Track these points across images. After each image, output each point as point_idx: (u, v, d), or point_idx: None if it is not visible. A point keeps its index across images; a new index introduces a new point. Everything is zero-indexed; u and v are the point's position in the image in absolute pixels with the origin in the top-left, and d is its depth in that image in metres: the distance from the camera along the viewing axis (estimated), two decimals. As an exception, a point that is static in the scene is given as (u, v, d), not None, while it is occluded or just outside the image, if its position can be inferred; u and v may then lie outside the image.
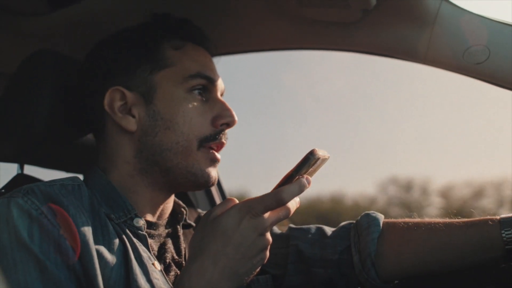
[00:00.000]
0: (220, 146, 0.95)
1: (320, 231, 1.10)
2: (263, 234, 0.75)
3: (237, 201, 0.78)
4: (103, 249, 0.77)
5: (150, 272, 0.82)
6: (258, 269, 0.78)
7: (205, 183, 0.94)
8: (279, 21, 1.23)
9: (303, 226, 1.12)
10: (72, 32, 1.24)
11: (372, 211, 1.07)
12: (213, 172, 0.94)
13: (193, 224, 1.08)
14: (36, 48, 1.02)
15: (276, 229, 1.15)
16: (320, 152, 0.75)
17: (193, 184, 0.94)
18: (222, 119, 0.94)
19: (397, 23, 1.14)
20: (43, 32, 1.24)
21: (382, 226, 1.02)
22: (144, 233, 0.87)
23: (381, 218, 1.05)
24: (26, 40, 1.26)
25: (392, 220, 1.04)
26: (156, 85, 0.92)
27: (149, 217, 0.94)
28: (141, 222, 0.88)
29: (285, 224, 1.13)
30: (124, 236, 0.83)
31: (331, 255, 1.04)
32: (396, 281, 1.00)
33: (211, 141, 0.92)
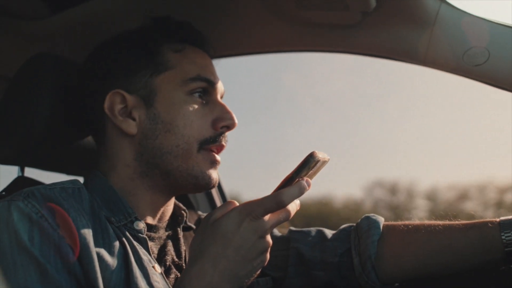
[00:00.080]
0: (220, 148, 0.95)
1: (321, 234, 1.10)
2: (263, 237, 0.75)
3: (237, 204, 0.78)
4: (103, 252, 0.77)
5: (151, 275, 0.82)
6: (258, 272, 0.78)
7: (206, 185, 0.94)
8: (279, 23, 1.23)
9: (304, 229, 1.12)
10: (72, 35, 1.25)
11: (372, 214, 1.07)
12: (214, 174, 0.94)
13: (193, 226, 1.08)
14: (36, 51, 1.03)
15: (276, 231, 1.16)
16: (320, 155, 0.75)
17: (194, 187, 0.94)
18: (222, 122, 0.94)
19: (397, 25, 1.14)
20: (43, 35, 1.24)
21: (382, 229, 1.03)
22: (144, 236, 0.87)
23: (381, 221, 1.05)
24: (27, 43, 1.27)
25: (392, 223, 1.04)
26: (157, 88, 0.92)
27: (149, 220, 0.94)
28: (141, 225, 0.88)
29: (285, 226, 1.13)
30: (124, 239, 0.83)
31: (332, 257, 1.04)
32: (396, 284, 1.00)
33: (211, 144, 0.92)
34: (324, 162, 0.80)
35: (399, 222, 1.03)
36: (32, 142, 0.96)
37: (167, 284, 0.85)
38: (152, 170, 0.92)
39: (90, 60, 0.99)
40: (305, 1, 1.09)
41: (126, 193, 0.91)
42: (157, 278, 0.83)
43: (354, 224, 1.09)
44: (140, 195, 0.92)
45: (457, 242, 0.91)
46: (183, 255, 0.97)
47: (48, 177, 1.12)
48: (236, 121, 0.96)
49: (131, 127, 0.91)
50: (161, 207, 0.96)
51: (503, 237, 0.85)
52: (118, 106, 0.92)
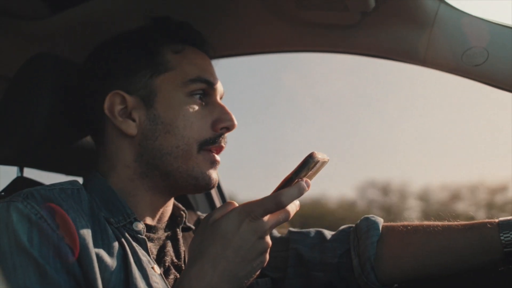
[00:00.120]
0: (219, 149, 0.95)
1: (320, 235, 1.10)
2: (262, 237, 0.75)
3: (236, 205, 0.78)
4: (102, 253, 0.77)
5: (150, 276, 0.82)
6: (258, 272, 0.78)
7: (206, 186, 0.94)
8: (279, 24, 1.23)
9: (303, 230, 1.12)
10: (72, 35, 1.25)
11: (371, 215, 1.07)
12: (214, 174, 0.95)
13: (193, 227, 1.08)
14: (36, 51, 1.03)
15: (275, 232, 1.16)
16: (320, 155, 0.75)
17: (194, 187, 0.94)
18: (222, 123, 0.94)
19: (396, 25, 1.14)
20: (43, 35, 1.24)
21: (382, 230, 1.03)
22: (143, 237, 0.87)
23: (381, 222, 1.05)
24: (26, 43, 1.27)
25: (391, 223, 1.04)
26: (157, 89, 0.92)
27: (149, 221, 0.94)
28: (141, 226, 0.88)
29: (284, 227, 1.13)
30: (123, 240, 0.83)
31: (331, 258, 1.05)
32: (395, 285, 1.00)
33: (211, 145, 0.93)
34: (324, 163, 0.80)
35: (398, 223, 1.03)
36: (32, 142, 0.96)
37: (166, 285, 0.85)
38: (152, 171, 0.92)
39: (90, 60, 0.99)
40: (305, 1, 1.09)
41: (125, 194, 0.91)
42: (156, 279, 0.83)
43: (353, 225, 1.09)
44: (139, 196, 0.92)
45: (456, 242, 0.91)
46: (182, 255, 0.97)
47: (47, 178, 1.13)
48: (236, 122, 0.96)
49: (131, 128, 0.91)
50: (161, 207, 0.96)
51: (502, 238, 0.85)
52: (118, 107, 0.92)
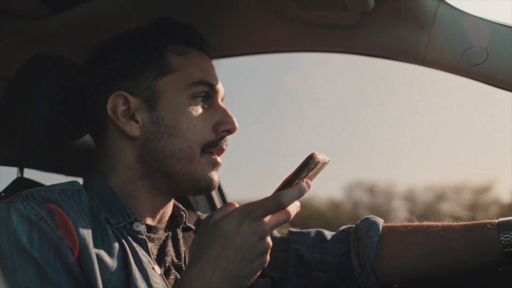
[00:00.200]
0: (220, 152, 0.95)
1: (320, 235, 1.10)
2: (263, 238, 0.75)
3: (237, 205, 0.78)
4: (103, 254, 0.78)
5: (150, 276, 0.82)
6: (258, 273, 0.78)
7: (207, 188, 0.94)
8: (279, 24, 1.23)
9: (303, 230, 1.12)
10: (72, 35, 1.24)
11: (371, 216, 1.07)
12: (215, 176, 0.95)
13: (193, 227, 1.08)
14: (36, 51, 1.03)
15: (276, 232, 1.16)
16: (320, 156, 0.75)
17: (195, 189, 0.94)
18: (224, 126, 0.94)
19: (396, 25, 1.14)
20: (43, 35, 1.24)
21: (382, 230, 1.03)
22: (144, 237, 0.87)
23: (381, 222, 1.05)
24: (26, 43, 1.27)
25: (391, 224, 1.05)
26: (160, 91, 0.92)
27: (149, 221, 0.94)
28: (141, 226, 0.88)
29: (284, 227, 1.13)
30: (123, 241, 0.83)
31: (331, 259, 1.05)
32: (395, 285, 1.00)
33: (213, 147, 0.93)
34: (324, 164, 0.80)
35: (398, 224, 1.03)
36: (32, 142, 0.96)
37: (167, 285, 0.85)
38: (154, 172, 0.92)
39: (92, 60, 0.99)
40: (305, 1, 1.09)
41: (125, 195, 0.91)
42: (156, 279, 0.83)
43: (353, 226, 1.09)
44: (140, 197, 0.92)
45: (456, 243, 0.92)
46: (183, 256, 0.97)
47: (47, 178, 1.13)
48: (237, 125, 0.96)
49: (134, 129, 0.91)
50: (161, 208, 0.96)
51: (502, 238, 0.86)
52: (121, 108, 0.92)
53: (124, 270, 0.79)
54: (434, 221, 0.99)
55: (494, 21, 1.06)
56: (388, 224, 1.05)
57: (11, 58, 1.30)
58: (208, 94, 0.96)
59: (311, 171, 0.77)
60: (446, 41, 1.10)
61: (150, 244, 0.89)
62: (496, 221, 0.88)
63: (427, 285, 0.98)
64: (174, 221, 1.02)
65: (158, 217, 0.96)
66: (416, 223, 1.01)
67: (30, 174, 1.08)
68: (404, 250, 0.98)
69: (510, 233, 0.85)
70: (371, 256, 0.99)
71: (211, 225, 0.77)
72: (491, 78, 1.07)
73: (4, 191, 0.99)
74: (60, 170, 1.16)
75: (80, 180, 0.93)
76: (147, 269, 0.83)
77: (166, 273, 0.90)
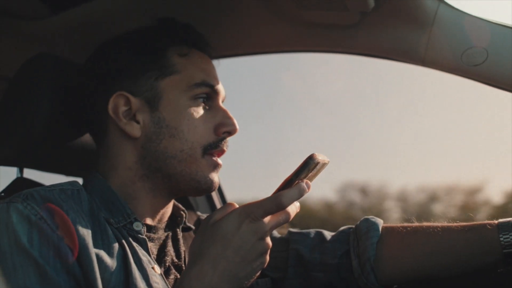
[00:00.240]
0: (221, 153, 0.96)
1: (320, 236, 1.10)
2: (263, 238, 0.75)
3: (237, 206, 0.78)
4: (102, 254, 0.78)
5: (150, 276, 0.82)
6: (258, 273, 0.78)
7: (207, 189, 0.94)
8: (279, 24, 1.23)
9: (303, 230, 1.12)
10: (73, 35, 1.24)
11: (371, 216, 1.07)
12: (216, 177, 0.95)
13: (193, 227, 1.08)
14: (36, 51, 1.02)
15: (275, 233, 1.16)
16: (320, 157, 0.75)
17: (195, 190, 0.94)
18: (224, 127, 0.94)
19: (396, 25, 1.14)
20: (44, 35, 1.24)
21: (381, 231, 1.03)
22: (144, 237, 0.88)
23: (380, 223, 1.05)
24: (27, 43, 1.27)
25: (391, 224, 1.05)
26: (162, 92, 0.92)
27: (149, 221, 0.94)
28: (141, 226, 0.88)
29: (284, 227, 1.13)
30: (123, 240, 0.83)
31: (331, 259, 1.05)
32: (395, 286, 1.00)
33: (214, 149, 0.93)
34: (324, 164, 0.80)
35: (398, 224, 1.03)
36: (32, 142, 0.96)
37: (167, 285, 0.85)
38: (154, 173, 0.92)
39: (93, 60, 0.99)
40: (305, 1, 1.09)
41: (126, 195, 0.91)
42: (156, 279, 0.83)
43: (353, 226, 1.09)
44: (140, 197, 0.92)
45: (455, 243, 0.92)
46: (183, 255, 0.97)
47: (47, 179, 1.13)
48: (237, 127, 0.96)
49: (135, 130, 0.91)
50: (161, 209, 0.96)
51: (502, 239, 0.86)
52: (122, 108, 0.92)
53: (123, 270, 0.79)
54: (433, 221, 0.99)
55: (494, 21, 1.06)
56: (388, 224, 1.05)
57: (11, 58, 1.30)
58: (209, 95, 0.96)
59: (310, 172, 0.77)
60: (446, 41, 1.10)
61: (150, 244, 0.89)
62: (496, 222, 0.89)
63: (427, 286, 0.97)
64: (174, 221, 1.02)
65: (158, 217, 0.96)
66: (416, 223, 1.01)
67: (30, 174, 1.08)
68: (403, 250, 0.98)
69: (509, 234, 0.85)
70: (371, 257, 0.99)
71: (211, 226, 0.77)
72: (491, 78, 1.07)
73: (3, 191, 1.00)
74: (60, 170, 1.16)
75: (80, 180, 0.93)
76: (147, 268, 0.83)
77: (166, 273, 0.90)
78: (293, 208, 0.78)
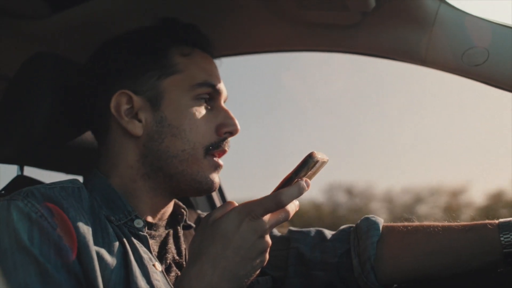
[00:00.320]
0: (222, 154, 0.96)
1: (320, 234, 1.10)
2: (262, 237, 0.75)
3: (236, 204, 0.78)
4: (103, 251, 0.77)
5: (151, 273, 0.82)
6: (258, 272, 0.78)
7: (208, 190, 0.94)
8: (279, 23, 1.23)
9: (303, 229, 1.12)
10: (73, 34, 1.24)
11: (371, 215, 1.07)
12: (216, 178, 0.95)
13: (193, 225, 1.08)
14: (36, 50, 1.02)
15: (276, 231, 1.16)
16: (319, 155, 0.75)
17: (196, 191, 0.94)
18: (226, 128, 0.94)
19: (396, 25, 1.14)
20: (44, 35, 1.24)
21: (382, 230, 1.03)
22: (145, 234, 0.87)
23: (381, 222, 1.05)
24: (27, 42, 1.27)
25: (392, 224, 1.05)
26: (164, 91, 0.92)
27: (149, 219, 0.94)
28: (142, 223, 0.88)
29: (284, 226, 1.13)
30: (124, 238, 0.83)
31: (331, 258, 1.05)
32: (395, 285, 1.00)
33: (215, 149, 0.93)
34: (323, 163, 0.80)
35: (399, 224, 1.03)
36: (32, 141, 0.96)
37: (168, 282, 0.85)
38: (155, 172, 0.92)
39: (96, 59, 0.99)
40: (305, 1, 1.09)
41: (126, 193, 0.91)
42: (157, 276, 0.83)
43: (354, 225, 1.09)
44: (141, 196, 0.92)
45: (456, 243, 0.92)
46: (184, 253, 0.97)
47: (47, 177, 1.13)
48: (239, 127, 0.96)
49: (137, 128, 0.91)
50: (161, 208, 0.96)
51: (502, 239, 0.86)
52: (124, 107, 0.92)
53: (124, 268, 0.79)
54: (446, 221, 0.98)
55: (495, 21, 1.06)
56: (388, 224, 1.05)
57: (11, 58, 1.30)
58: (211, 95, 0.96)
59: (310, 170, 0.76)
60: (447, 41, 1.10)
61: (151, 241, 0.89)
62: (497, 221, 0.89)
63: (427, 285, 0.98)
64: (175, 218, 1.02)
65: (158, 215, 0.96)
66: (416, 223, 1.01)
67: (30, 172, 1.08)
68: (404, 250, 0.98)
69: (510, 233, 0.85)
70: (371, 256, 0.99)
71: (210, 224, 0.77)
72: (492, 78, 1.07)
73: (4, 189, 1.00)
74: (60, 169, 1.16)
75: (80, 179, 0.93)
76: (148, 266, 0.83)
77: (167, 270, 0.90)
78: (293, 207, 0.77)
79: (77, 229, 0.75)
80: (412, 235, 0.98)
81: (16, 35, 1.24)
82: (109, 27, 1.11)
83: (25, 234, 0.71)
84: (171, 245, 0.96)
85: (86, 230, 0.76)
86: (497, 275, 0.89)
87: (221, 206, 0.79)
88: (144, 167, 0.92)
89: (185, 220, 1.03)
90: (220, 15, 1.23)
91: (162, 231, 0.96)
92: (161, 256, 0.92)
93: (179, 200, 1.07)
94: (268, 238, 0.77)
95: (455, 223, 0.95)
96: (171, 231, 0.99)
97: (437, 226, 0.96)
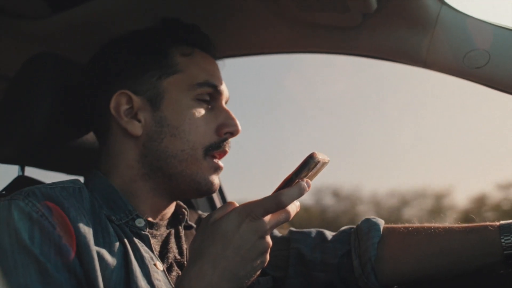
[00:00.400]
0: (223, 154, 0.95)
1: (321, 235, 1.10)
2: (263, 237, 0.75)
3: (237, 205, 0.77)
4: (103, 251, 0.77)
5: (152, 273, 0.82)
6: (258, 272, 0.78)
7: (207, 191, 0.94)
8: (281, 25, 1.23)
9: (304, 230, 1.12)
10: (73, 35, 1.24)
11: (372, 217, 1.07)
12: (216, 179, 0.95)
13: (194, 225, 1.08)
14: (37, 51, 1.03)
15: (276, 232, 1.16)
16: (320, 156, 0.75)
17: (195, 192, 0.94)
18: (226, 128, 0.94)
19: (398, 27, 1.14)
20: (44, 35, 1.24)
21: (383, 231, 1.03)
22: (146, 233, 0.87)
23: (382, 223, 1.05)
24: (27, 42, 1.26)
25: (392, 225, 1.05)
26: (164, 91, 0.92)
27: (151, 219, 0.94)
28: (143, 222, 0.88)
29: (284, 227, 1.13)
30: (125, 238, 0.83)
31: (332, 259, 1.05)
32: (395, 286, 1.00)
33: (215, 150, 0.93)
34: (324, 163, 0.80)
35: (399, 225, 1.03)
36: (32, 141, 0.96)
37: (169, 281, 0.85)
38: (155, 172, 0.92)
39: (96, 59, 0.99)
40: (307, 2, 1.09)
41: (127, 193, 0.91)
42: (158, 276, 0.83)
43: (354, 226, 1.09)
44: (141, 196, 0.92)
45: (457, 244, 0.91)
46: (185, 253, 0.97)
47: (47, 177, 1.13)
48: (240, 128, 0.96)
49: (137, 128, 0.91)
50: (162, 208, 0.96)
51: (503, 241, 0.86)
52: (124, 107, 0.92)
53: (124, 268, 0.79)
54: (447, 222, 0.98)
55: (496, 23, 1.06)
56: (389, 225, 1.05)
57: (11, 58, 1.30)
58: (212, 95, 0.96)
59: (311, 171, 0.76)
60: (448, 43, 1.10)
61: (152, 240, 0.89)
62: (497, 223, 0.89)
63: (428, 286, 0.97)
64: (176, 218, 1.02)
65: (159, 215, 0.96)
66: (417, 224, 1.01)
67: (31, 172, 1.08)
68: (405, 251, 0.98)
69: (511, 235, 0.85)
70: (372, 257, 0.99)
71: (211, 225, 0.76)
72: (493, 81, 1.07)
73: (5, 189, 1.00)
74: (61, 169, 1.16)
75: (81, 179, 0.93)
76: (149, 265, 0.82)
77: (169, 269, 0.90)
78: (293, 207, 0.77)
79: (77, 229, 0.75)
80: (413, 236, 0.98)
81: (16, 35, 1.24)
82: (109, 27, 1.11)
83: (26, 234, 0.71)
84: (173, 245, 0.96)
85: (86, 230, 0.76)
86: (497, 276, 0.89)
87: (221, 207, 0.79)
88: (143, 167, 0.92)
89: (186, 220, 1.03)
90: (220, 17, 1.23)
91: (163, 231, 0.96)
92: (163, 255, 0.92)
93: (180, 200, 1.07)
94: (268, 238, 0.77)
95: (456, 225, 0.95)
96: (173, 231, 0.99)
97: (438, 228, 0.96)
